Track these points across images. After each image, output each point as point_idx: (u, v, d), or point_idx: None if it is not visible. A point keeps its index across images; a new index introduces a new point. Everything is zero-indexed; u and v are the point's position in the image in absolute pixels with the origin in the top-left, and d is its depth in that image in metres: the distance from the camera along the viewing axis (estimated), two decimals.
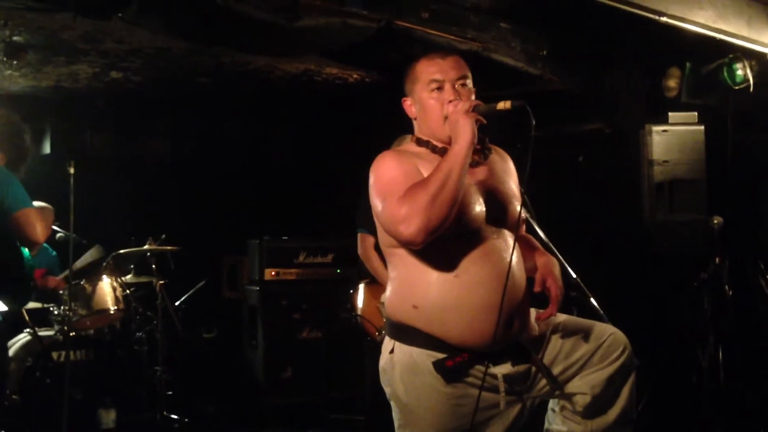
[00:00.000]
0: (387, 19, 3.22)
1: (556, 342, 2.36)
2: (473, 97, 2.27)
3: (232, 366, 5.65)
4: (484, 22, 3.48)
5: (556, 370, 2.33)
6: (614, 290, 3.20)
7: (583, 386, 2.32)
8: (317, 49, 3.61)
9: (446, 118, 2.18)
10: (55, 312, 4.50)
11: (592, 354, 2.35)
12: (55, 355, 4.26)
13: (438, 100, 2.22)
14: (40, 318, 4.57)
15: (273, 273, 5.48)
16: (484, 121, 2.14)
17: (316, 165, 6.30)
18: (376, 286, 4.07)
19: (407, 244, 2.10)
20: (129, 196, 5.89)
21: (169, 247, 5.12)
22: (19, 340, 4.44)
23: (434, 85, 2.23)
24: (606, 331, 2.41)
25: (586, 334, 2.37)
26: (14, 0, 3.11)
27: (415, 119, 2.32)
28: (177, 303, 5.37)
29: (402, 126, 3.82)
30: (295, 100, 5.68)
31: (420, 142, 2.31)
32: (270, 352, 5.36)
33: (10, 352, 4.35)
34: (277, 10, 2.87)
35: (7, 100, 5.26)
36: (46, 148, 5.46)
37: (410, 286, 2.21)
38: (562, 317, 2.41)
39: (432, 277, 2.16)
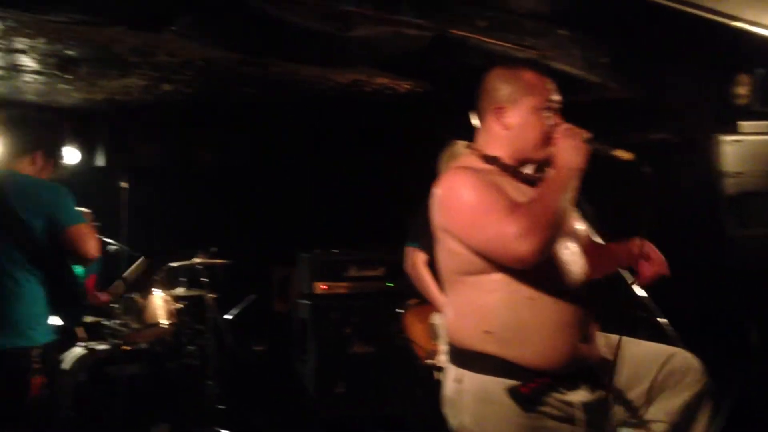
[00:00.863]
0: (441, 28, 3.12)
1: (627, 366, 2.25)
2: None
3: (282, 380, 5.60)
4: (541, 29, 3.36)
5: (630, 396, 2.21)
6: (685, 309, 3.03)
7: (659, 413, 2.23)
8: (368, 59, 3.52)
9: (549, 137, 2.13)
10: (108, 325, 4.51)
11: (665, 379, 2.25)
12: (107, 368, 4.25)
13: (547, 120, 2.14)
14: (93, 331, 4.59)
15: (323, 286, 5.43)
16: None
17: (366, 176, 6.23)
18: (427, 306, 3.95)
19: (518, 263, 1.99)
20: (180, 208, 5.91)
21: (219, 260, 5.10)
22: (73, 353, 4.45)
23: (548, 105, 2.15)
24: (678, 354, 2.32)
25: (657, 358, 2.28)
26: (67, 14, 3.09)
27: (506, 131, 2.18)
28: (227, 316, 5.35)
29: (454, 135, 3.73)
30: (343, 111, 5.62)
31: (488, 159, 2.19)
32: (321, 366, 5.31)
33: (64, 366, 4.38)
34: (329, 20, 2.81)
35: (60, 113, 5.33)
36: (100, 161, 5.51)
37: (480, 311, 2.10)
38: (631, 340, 2.30)
39: (504, 299, 2.06)
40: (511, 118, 2.16)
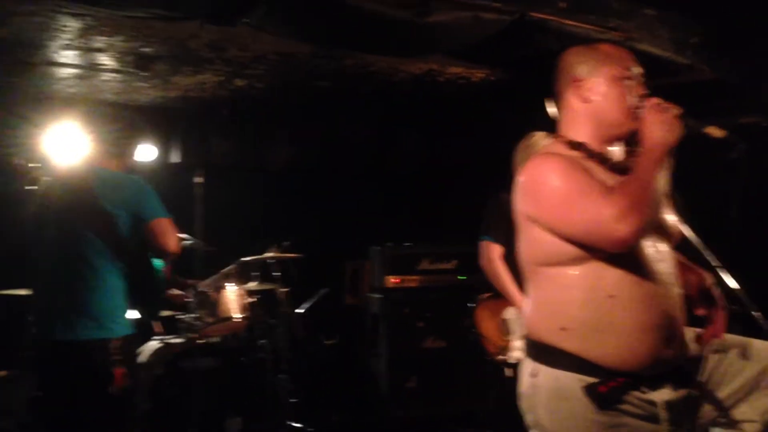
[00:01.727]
0: (521, 11, 3.02)
1: (717, 363, 2.13)
2: None
3: (354, 374, 5.59)
4: (627, 9, 3.21)
5: (720, 395, 2.08)
6: None
7: (752, 413, 2.11)
8: (444, 47, 3.44)
9: (635, 110, 2.00)
10: (182, 319, 4.57)
11: (759, 376, 2.13)
12: (182, 362, 4.30)
13: (630, 90, 2.02)
14: (169, 325, 4.65)
15: (395, 280, 5.39)
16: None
17: (438, 168, 6.15)
18: (498, 300, 3.86)
19: (618, 245, 1.88)
20: (253, 203, 5.95)
21: (291, 255, 5.11)
22: (150, 347, 4.53)
23: (630, 74, 2.04)
24: None
25: (751, 354, 2.16)
26: (143, 10, 3.12)
27: (588, 103, 2.07)
28: (299, 310, 5.37)
29: (529, 126, 3.62)
30: (416, 102, 5.56)
31: (573, 145, 2.08)
32: (393, 361, 5.27)
33: (141, 359, 4.45)
34: (407, 6, 2.75)
35: (137, 111, 5.43)
36: (175, 158, 5.59)
37: (558, 307, 2.02)
38: (728, 337, 2.16)
39: (584, 297, 1.96)
40: (590, 90, 2.06)
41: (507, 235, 3.64)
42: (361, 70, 4.47)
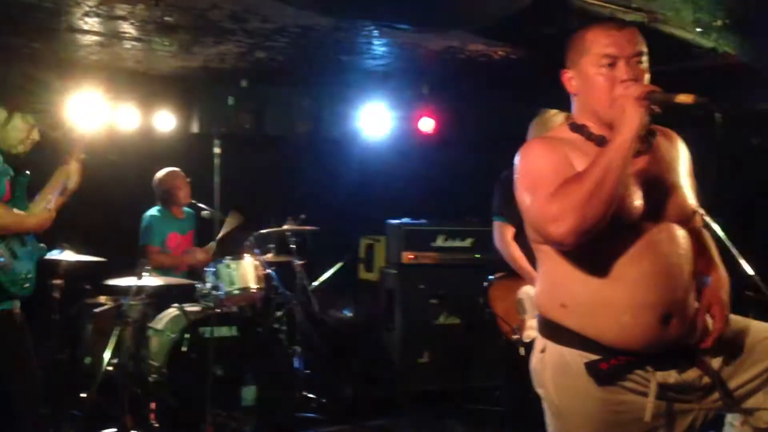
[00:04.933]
0: None
1: (732, 350, 2.09)
2: (647, 78, 2.01)
3: (367, 348, 5.63)
4: None
5: (734, 383, 2.07)
6: None
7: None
8: (466, 22, 3.41)
9: (614, 100, 1.93)
10: (200, 288, 4.62)
11: None
12: (200, 330, 4.36)
13: (608, 78, 1.97)
14: (187, 294, 4.71)
15: (411, 256, 5.41)
16: (658, 111, 1.89)
17: (456, 146, 6.13)
18: (513, 280, 3.85)
19: (556, 245, 1.93)
20: (270, 175, 5.98)
21: (307, 227, 5.14)
22: (168, 314, 4.59)
23: (606, 61, 1.97)
24: None
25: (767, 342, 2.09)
26: None
27: (576, 95, 2.08)
28: (315, 283, 5.41)
29: (549, 106, 3.59)
30: (435, 79, 5.53)
31: (574, 127, 2.07)
32: (407, 336, 5.30)
33: (159, 326, 4.52)
34: None
35: (159, 80, 5.45)
36: (194, 128, 5.61)
37: (558, 285, 2.03)
38: (741, 320, 2.14)
39: (582, 275, 1.96)
40: (571, 81, 2.06)
41: (518, 214, 3.64)
42: (382, 45, 4.45)
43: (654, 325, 1.92)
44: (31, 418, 3.23)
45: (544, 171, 1.94)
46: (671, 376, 1.98)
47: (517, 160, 2.06)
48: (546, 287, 2.09)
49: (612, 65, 1.97)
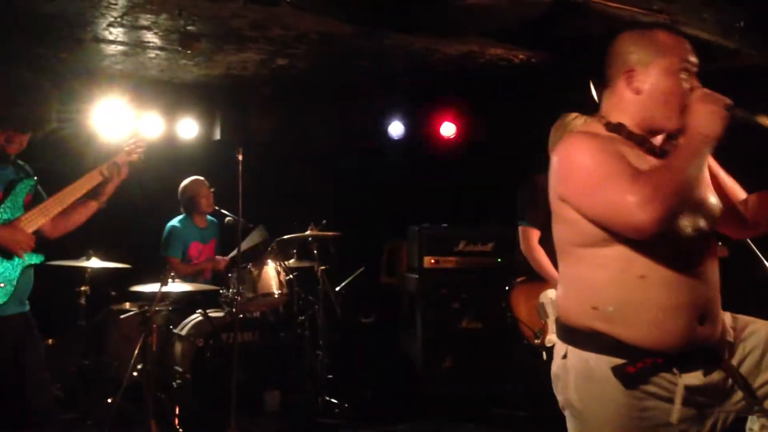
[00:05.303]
0: None
1: (755, 350, 2.07)
2: None
3: (389, 353, 5.63)
4: None
5: (756, 382, 2.04)
6: None
7: None
8: (484, 27, 3.41)
9: (683, 106, 1.92)
10: (224, 294, 4.65)
11: None
12: (223, 336, 4.39)
13: (683, 83, 1.95)
14: (211, 300, 4.74)
15: (432, 261, 5.40)
16: (739, 122, 1.88)
17: (477, 150, 6.12)
18: (534, 284, 3.84)
19: (637, 233, 1.86)
20: (293, 181, 6.01)
21: (329, 233, 5.16)
22: (192, 320, 4.63)
23: (686, 66, 1.95)
24: None
25: None
26: None
27: (638, 95, 2.01)
28: (337, 288, 5.42)
29: (570, 110, 3.57)
30: (456, 84, 5.53)
31: (611, 127, 2.03)
32: (429, 341, 5.29)
33: (183, 332, 4.56)
34: None
35: (182, 89, 5.51)
36: (216, 135, 5.67)
37: (590, 286, 2.00)
38: (763, 324, 2.12)
39: (614, 276, 1.94)
40: (643, 82, 1.99)
41: (543, 217, 3.63)
42: (402, 50, 4.47)
43: (690, 325, 1.91)
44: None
45: (608, 161, 1.89)
46: (696, 378, 1.97)
47: (559, 157, 2.01)
48: (574, 290, 2.06)
49: (688, 72, 1.96)
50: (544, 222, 3.67)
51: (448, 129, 5.93)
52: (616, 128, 2.02)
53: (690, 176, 1.83)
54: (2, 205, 2.99)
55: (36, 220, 3.01)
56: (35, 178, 3.13)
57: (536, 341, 3.74)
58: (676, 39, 1.99)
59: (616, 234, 1.92)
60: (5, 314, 2.90)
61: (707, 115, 1.86)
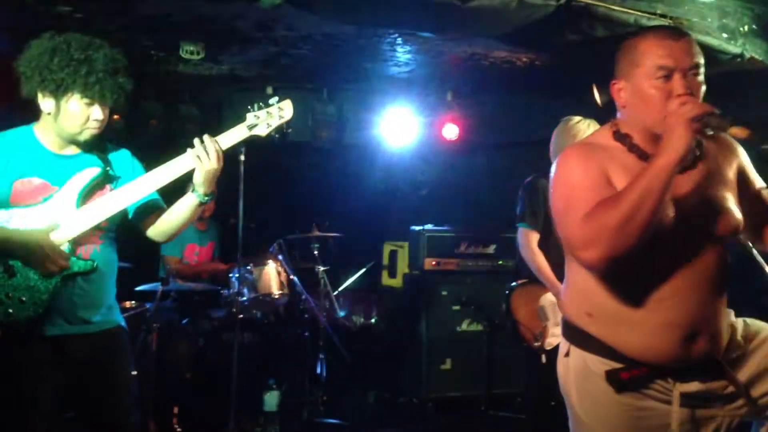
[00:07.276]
0: None
1: (760, 358, 2.05)
2: (703, 90, 1.91)
3: (390, 354, 5.63)
4: None
5: (758, 391, 2.03)
6: None
7: None
8: (489, 29, 3.41)
9: (667, 115, 1.82)
10: (225, 294, 4.65)
11: None
12: (224, 336, 4.39)
13: (663, 91, 1.86)
14: (212, 299, 4.74)
15: (433, 262, 5.40)
16: (710, 134, 1.80)
17: (480, 153, 6.12)
18: (535, 286, 3.83)
19: (585, 267, 1.90)
20: (295, 181, 6.01)
21: (331, 234, 5.16)
22: (193, 320, 4.63)
23: (661, 73, 1.86)
24: None
25: None
26: None
27: (624, 108, 1.99)
28: (339, 289, 5.42)
29: (573, 113, 3.57)
30: (459, 86, 5.53)
31: (618, 136, 1.99)
32: (429, 343, 5.29)
33: (183, 331, 4.56)
34: None
35: (186, 86, 5.51)
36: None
37: (585, 294, 2.00)
38: (762, 329, 2.11)
39: (610, 288, 1.93)
40: (622, 92, 1.97)
41: (543, 220, 3.62)
42: (404, 52, 4.47)
43: (678, 343, 1.89)
44: None
45: (580, 187, 1.88)
46: (693, 386, 1.95)
47: (554, 168, 2.01)
48: (573, 294, 2.07)
49: (667, 78, 1.86)
50: (544, 225, 3.67)
51: (450, 131, 5.92)
52: (622, 138, 1.99)
53: (646, 206, 1.76)
54: (49, 202, 2.44)
55: (84, 222, 2.51)
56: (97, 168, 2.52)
57: (536, 344, 3.73)
58: (656, 43, 1.90)
59: None
60: (52, 334, 2.43)
61: (671, 130, 1.77)
